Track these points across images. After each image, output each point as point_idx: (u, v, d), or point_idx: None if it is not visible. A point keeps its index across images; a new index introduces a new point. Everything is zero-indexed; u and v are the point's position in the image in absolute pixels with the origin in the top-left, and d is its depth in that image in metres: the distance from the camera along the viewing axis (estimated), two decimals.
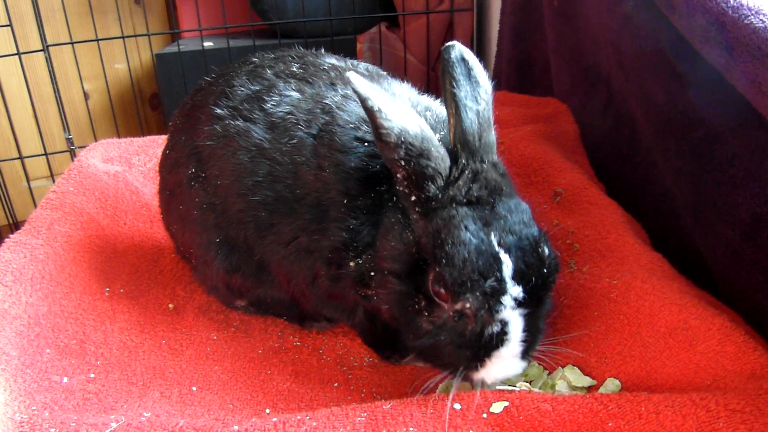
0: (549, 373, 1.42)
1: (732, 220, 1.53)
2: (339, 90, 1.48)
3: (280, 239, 1.47)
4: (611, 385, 1.32)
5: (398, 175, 1.24)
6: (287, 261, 1.49)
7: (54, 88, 3.41)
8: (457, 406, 1.19)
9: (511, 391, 1.23)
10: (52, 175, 3.57)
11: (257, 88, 1.54)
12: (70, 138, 3.49)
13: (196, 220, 1.61)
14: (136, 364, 1.56)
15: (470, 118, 1.27)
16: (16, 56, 3.24)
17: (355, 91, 1.19)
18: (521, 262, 1.18)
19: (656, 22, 1.76)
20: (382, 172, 1.33)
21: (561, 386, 1.36)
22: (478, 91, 1.30)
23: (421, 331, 1.26)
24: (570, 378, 1.36)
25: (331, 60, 1.63)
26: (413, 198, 1.24)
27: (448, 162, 1.24)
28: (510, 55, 3.07)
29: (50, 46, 3.35)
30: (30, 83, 3.33)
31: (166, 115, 4.03)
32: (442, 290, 1.20)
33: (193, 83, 1.79)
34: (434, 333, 1.23)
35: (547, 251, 1.23)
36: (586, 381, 1.36)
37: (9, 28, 3.17)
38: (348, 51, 3.24)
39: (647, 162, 1.96)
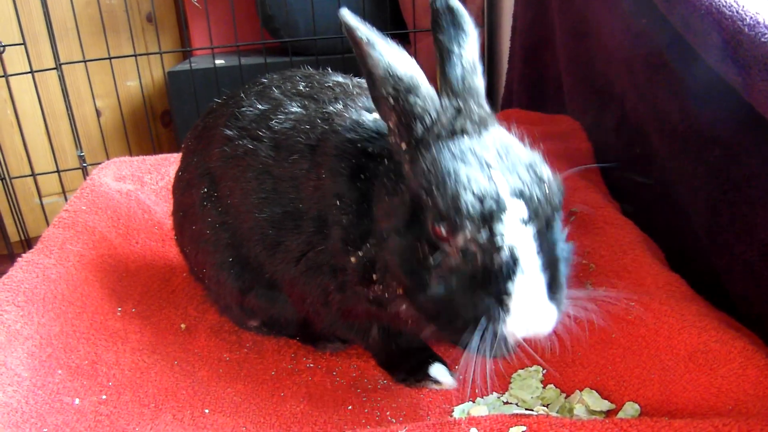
0: (566, 397, 1.40)
1: (750, 241, 1.51)
2: (341, 102, 1.48)
3: (289, 257, 1.46)
4: (630, 409, 1.30)
5: (390, 123, 1.23)
6: (299, 280, 1.47)
7: (66, 105, 3.44)
8: (474, 430, 1.17)
9: (528, 416, 1.21)
10: (64, 192, 3.59)
11: (265, 107, 1.55)
12: (82, 155, 3.51)
13: (209, 240, 1.61)
14: (148, 386, 1.55)
15: (453, 61, 1.26)
16: (30, 74, 3.27)
17: (346, 23, 1.17)
18: (517, 179, 1.12)
19: (670, 41, 1.75)
20: (369, 160, 1.32)
21: (579, 410, 1.34)
22: (462, 37, 1.28)
23: (429, 284, 1.16)
24: (588, 402, 1.34)
25: (337, 78, 1.63)
26: (404, 146, 1.22)
27: (437, 101, 1.22)
28: (521, 73, 3.06)
29: (63, 64, 3.38)
30: (43, 101, 3.35)
31: (177, 133, 4.04)
32: (442, 228, 1.12)
33: (205, 101, 1.79)
34: (443, 280, 1.14)
35: (545, 170, 1.18)
36: (605, 405, 1.34)
37: (23, 46, 3.20)
38: (358, 68, 3.25)
39: (662, 181, 1.95)
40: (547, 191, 1.14)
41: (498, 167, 1.13)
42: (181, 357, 1.67)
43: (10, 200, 3.46)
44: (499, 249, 1.08)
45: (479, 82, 1.28)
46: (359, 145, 1.35)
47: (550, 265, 1.12)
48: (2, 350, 1.47)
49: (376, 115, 1.39)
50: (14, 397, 1.39)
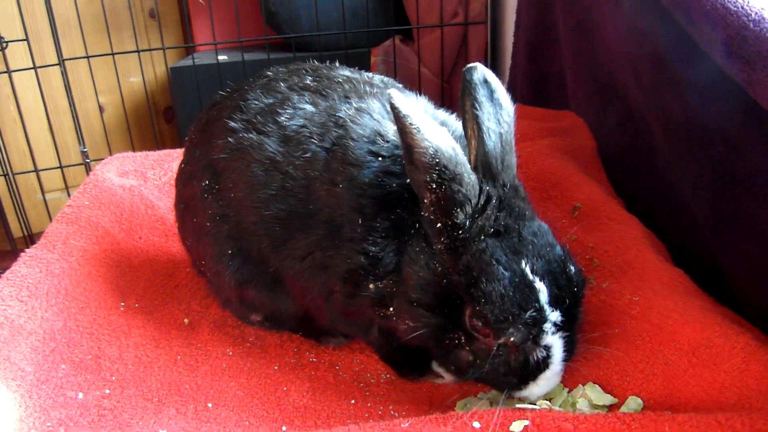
0: (569, 391, 1.40)
1: (753, 236, 1.51)
2: (353, 103, 1.47)
3: (295, 254, 1.46)
4: (633, 403, 1.30)
5: (425, 201, 1.22)
6: (303, 276, 1.48)
7: (69, 101, 3.44)
8: (476, 424, 1.17)
9: (531, 410, 1.21)
10: (67, 188, 3.59)
11: (271, 101, 1.54)
12: (85, 151, 3.51)
13: (209, 231, 1.61)
14: (151, 380, 1.55)
15: (493, 141, 1.26)
16: (33, 70, 3.27)
17: (395, 108, 1.17)
18: (554, 287, 1.19)
19: (674, 37, 1.74)
20: (402, 192, 1.32)
21: (582, 404, 1.33)
22: (501, 114, 1.29)
23: (462, 364, 1.28)
24: (591, 396, 1.34)
25: (345, 72, 1.62)
26: (439, 225, 1.22)
27: (477, 189, 1.22)
28: (525, 69, 3.06)
29: (66, 60, 3.38)
30: (46, 97, 3.36)
31: (180, 129, 4.04)
32: (481, 325, 1.20)
33: (208, 96, 1.79)
34: (478, 366, 1.25)
35: (573, 269, 1.24)
36: (608, 399, 1.33)
37: (26, 42, 3.20)
38: (362, 64, 3.25)
39: (666, 177, 1.94)
40: (576, 290, 1.24)
41: (537, 272, 1.19)
42: (185, 351, 1.67)
43: (13, 196, 3.47)
44: (535, 350, 1.21)
45: (514, 161, 1.30)
46: (380, 158, 1.35)
47: (569, 350, 1.27)
48: (6, 345, 1.48)
49: (395, 127, 1.37)
50: (18, 392, 1.39)
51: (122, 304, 1.82)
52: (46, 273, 1.74)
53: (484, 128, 1.26)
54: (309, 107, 1.49)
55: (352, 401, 1.47)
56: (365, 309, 1.41)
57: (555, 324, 1.20)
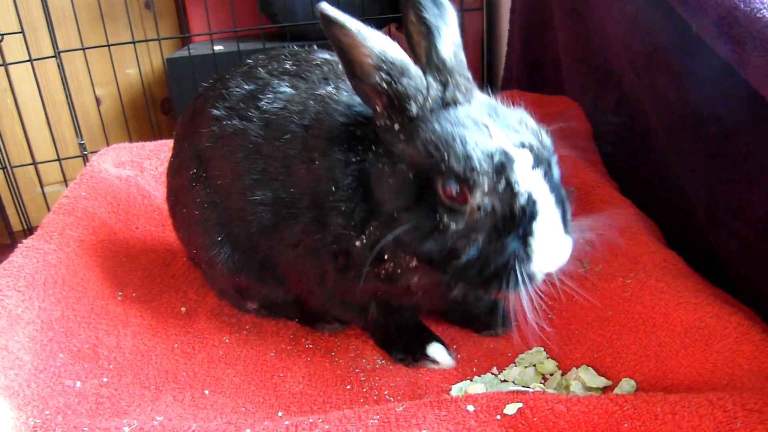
0: (563, 374, 1.41)
1: (746, 218, 1.51)
2: (331, 83, 1.49)
3: (286, 242, 1.48)
4: (626, 385, 1.31)
5: (377, 108, 1.26)
6: (297, 262, 1.49)
7: (66, 93, 3.43)
8: (470, 407, 1.18)
9: (525, 392, 1.22)
10: (65, 180, 3.58)
11: (252, 87, 1.55)
12: (83, 143, 3.51)
13: (198, 220, 1.62)
14: (148, 368, 1.56)
15: (443, 38, 1.30)
16: (29, 63, 3.26)
17: (328, 18, 1.18)
18: (514, 133, 1.20)
19: (667, 19, 1.74)
20: (358, 144, 1.34)
21: (575, 387, 1.35)
22: (446, 15, 1.32)
23: (456, 248, 1.21)
24: (584, 378, 1.35)
25: (324, 55, 1.63)
26: (397, 126, 1.25)
27: (425, 79, 1.25)
28: (520, 54, 3.05)
29: (62, 52, 3.37)
30: (42, 89, 3.35)
31: (177, 119, 4.03)
32: (455, 189, 1.17)
33: None
34: (469, 240, 1.20)
35: (533, 122, 1.25)
36: (601, 381, 1.34)
37: (21, 35, 3.19)
38: None
39: (660, 160, 1.95)
40: (542, 138, 1.23)
41: (495, 126, 1.19)
42: (182, 340, 1.68)
43: (11, 189, 3.47)
44: (517, 195, 1.16)
45: (463, 56, 1.33)
46: (351, 128, 1.36)
47: (560, 202, 1.20)
48: (4, 334, 1.48)
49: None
50: (16, 381, 1.40)
51: (120, 293, 1.82)
52: (44, 263, 1.74)
53: (434, 28, 1.30)
54: (289, 90, 1.50)
55: (348, 387, 1.48)
56: (356, 284, 1.40)
57: (528, 164, 1.17)
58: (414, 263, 1.31)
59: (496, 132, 1.18)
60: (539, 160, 1.19)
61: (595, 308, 1.50)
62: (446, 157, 1.16)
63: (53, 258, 1.77)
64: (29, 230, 3.55)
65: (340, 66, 1.54)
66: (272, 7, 3.78)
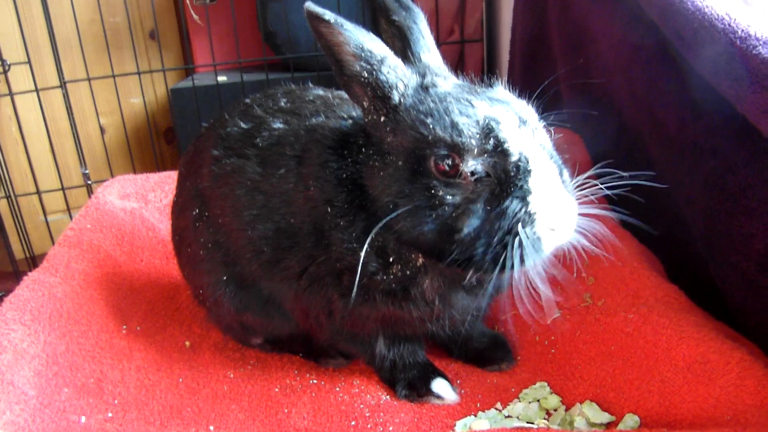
0: (567, 409, 1.41)
1: (746, 251, 1.52)
2: (322, 115, 1.52)
3: (290, 273, 1.48)
4: (630, 421, 1.31)
5: (365, 103, 1.30)
6: (303, 295, 1.49)
7: (71, 123, 3.47)
8: None
9: (529, 428, 1.22)
10: (68, 209, 3.61)
11: (248, 126, 1.58)
12: (87, 173, 3.54)
13: (203, 259, 1.64)
14: (153, 403, 1.57)
15: (416, 35, 1.38)
16: (35, 92, 3.30)
17: (313, 13, 1.21)
18: (495, 101, 1.24)
19: (665, 53, 1.76)
20: (349, 156, 1.37)
21: (579, 423, 1.35)
22: (415, 15, 1.40)
23: (457, 223, 1.20)
24: (588, 414, 1.36)
25: (318, 92, 1.66)
26: (383, 118, 1.28)
27: (404, 69, 1.29)
28: (521, 85, 3.06)
29: (68, 82, 3.41)
30: (47, 118, 3.39)
31: (181, 149, 4.07)
32: (447, 163, 1.19)
33: (208, 117, 1.82)
34: (468, 212, 1.19)
35: (509, 93, 1.31)
36: (605, 417, 1.35)
37: (27, 65, 3.23)
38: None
39: (660, 192, 1.96)
40: (525, 106, 1.29)
41: (477, 99, 1.23)
42: (186, 374, 1.68)
43: (15, 218, 3.49)
44: (508, 153, 1.17)
45: (438, 55, 1.41)
46: (339, 149, 1.39)
47: (552, 158, 1.24)
48: (10, 369, 1.49)
49: (351, 121, 1.46)
50: (21, 416, 1.40)
51: (124, 327, 1.83)
52: (49, 297, 1.75)
53: (407, 27, 1.38)
54: (283, 126, 1.53)
55: (353, 423, 1.48)
56: (369, 306, 1.41)
57: (515, 124, 1.20)
58: (420, 260, 1.32)
59: (479, 103, 1.22)
60: (524, 122, 1.23)
61: (597, 343, 1.51)
62: (433, 129, 1.19)
63: (59, 291, 1.78)
64: (32, 258, 3.57)
65: (332, 99, 1.58)
66: (275, 39, 3.83)
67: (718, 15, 1.48)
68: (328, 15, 1.21)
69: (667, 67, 1.79)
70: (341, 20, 1.23)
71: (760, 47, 1.37)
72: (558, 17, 2.65)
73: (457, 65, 3.73)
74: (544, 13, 2.82)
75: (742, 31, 1.42)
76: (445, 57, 1.45)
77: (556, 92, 2.79)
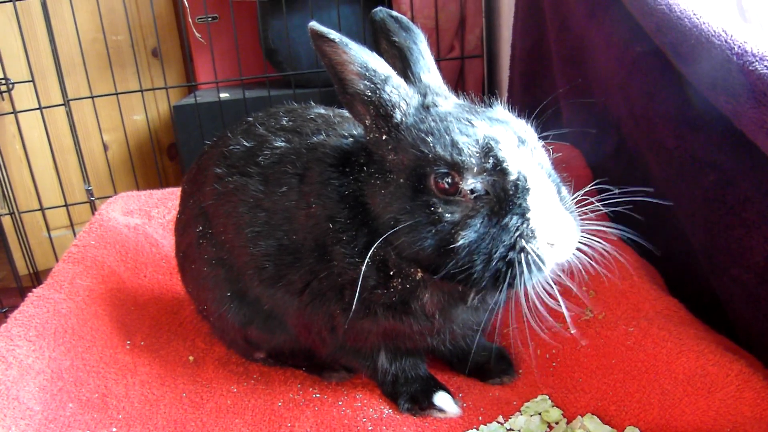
0: (568, 422, 1.42)
1: (746, 263, 1.53)
2: (323, 133, 1.54)
3: (293, 289, 1.49)
4: None
5: (367, 122, 1.32)
6: (306, 310, 1.50)
7: (74, 140, 3.50)
8: None
9: None
10: (72, 226, 3.63)
11: (251, 144, 1.60)
12: (90, 189, 3.56)
13: (207, 276, 1.65)
14: (157, 418, 1.57)
15: (416, 57, 1.40)
16: (38, 110, 3.33)
17: (317, 32, 1.24)
18: (495, 121, 1.26)
19: (663, 68, 1.78)
20: (349, 174, 1.38)
21: None
22: (415, 36, 1.43)
23: (456, 239, 1.21)
24: (589, 427, 1.36)
25: (319, 110, 1.68)
26: (384, 136, 1.30)
27: (407, 89, 1.32)
28: (521, 100, 3.10)
29: (71, 100, 3.44)
30: (51, 136, 3.42)
31: (183, 166, 4.09)
32: (447, 181, 1.21)
33: (210, 134, 1.84)
34: (469, 228, 1.20)
35: (509, 114, 1.33)
36: (606, 430, 1.35)
37: (31, 83, 3.26)
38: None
39: (660, 205, 1.97)
40: (524, 126, 1.30)
41: (477, 119, 1.26)
42: (190, 389, 1.69)
43: (18, 234, 3.51)
44: (506, 172, 1.20)
45: (438, 75, 1.44)
46: (340, 166, 1.41)
47: (551, 176, 1.26)
48: (15, 385, 1.50)
49: (352, 139, 1.48)
50: (27, 431, 1.41)
51: (128, 342, 1.84)
52: (54, 313, 1.77)
53: (407, 48, 1.40)
54: (284, 145, 1.55)
55: None
56: (371, 320, 1.42)
57: (513, 143, 1.22)
58: (419, 274, 1.34)
59: (479, 123, 1.24)
60: (523, 141, 1.25)
61: (598, 356, 1.52)
62: (434, 148, 1.21)
63: (63, 307, 1.80)
64: (35, 274, 3.58)
65: (333, 117, 1.59)
66: (277, 56, 3.86)
67: (714, 31, 1.50)
68: (333, 34, 1.24)
69: (665, 81, 1.81)
70: (346, 39, 1.25)
71: (756, 63, 1.39)
72: (557, 34, 2.68)
73: (458, 81, 3.76)
74: (543, 29, 2.85)
75: (739, 47, 1.44)
76: (446, 73, 1.49)
77: (556, 107, 2.81)
